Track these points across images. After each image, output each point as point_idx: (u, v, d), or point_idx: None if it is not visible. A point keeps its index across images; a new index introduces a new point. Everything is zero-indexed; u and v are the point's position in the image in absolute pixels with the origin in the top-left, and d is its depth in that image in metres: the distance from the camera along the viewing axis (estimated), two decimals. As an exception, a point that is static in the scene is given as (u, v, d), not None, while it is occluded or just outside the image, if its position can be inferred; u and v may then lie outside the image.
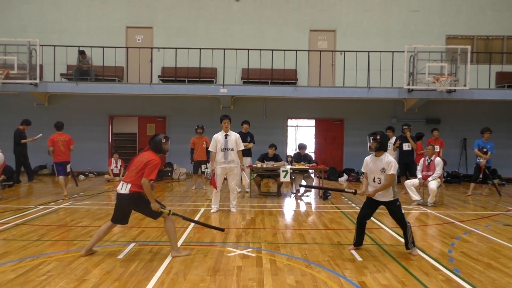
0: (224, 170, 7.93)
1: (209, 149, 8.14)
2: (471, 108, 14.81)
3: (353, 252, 5.24)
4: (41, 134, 11.41)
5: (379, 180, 5.09)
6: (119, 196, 4.97)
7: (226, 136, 7.95)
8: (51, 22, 15.14)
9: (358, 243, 5.33)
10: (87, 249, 4.99)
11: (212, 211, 7.89)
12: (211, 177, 8.04)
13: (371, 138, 5.15)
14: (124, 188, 4.91)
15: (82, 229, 6.35)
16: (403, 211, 5.15)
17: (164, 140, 5.09)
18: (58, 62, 13.34)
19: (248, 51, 13.26)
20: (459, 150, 14.96)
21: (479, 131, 10.87)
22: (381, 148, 5.11)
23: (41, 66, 13.27)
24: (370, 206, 5.27)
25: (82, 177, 13.90)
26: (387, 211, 5.25)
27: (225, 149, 7.89)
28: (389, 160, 5.07)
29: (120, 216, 5.07)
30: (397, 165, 5.14)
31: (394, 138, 10.84)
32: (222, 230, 5.78)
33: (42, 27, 14.99)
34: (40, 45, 12.74)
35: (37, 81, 12.82)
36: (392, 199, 5.11)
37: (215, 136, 8.02)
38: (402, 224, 5.12)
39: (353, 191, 5.36)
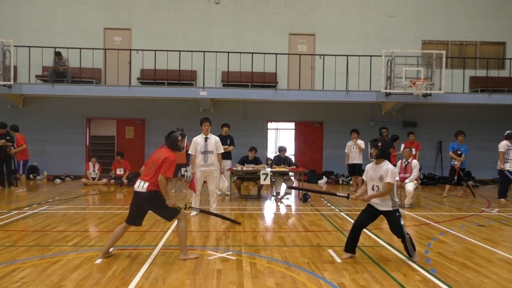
0: (203, 173, 7.90)
1: (189, 152, 8.08)
2: (446, 111, 15.19)
3: (333, 253, 5.29)
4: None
5: (377, 188, 4.96)
6: (137, 194, 4.92)
7: (206, 139, 7.93)
8: (26, 22, 14.79)
9: (349, 249, 5.12)
10: (104, 251, 4.96)
11: (192, 214, 7.84)
12: (190, 180, 7.99)
13: (372, 145, 5.01)
14: (141, 186, 4.87)
15: (58, 234, 6.20)
16: (402, 222, 4.96)
17: (180, 138, 5.10)
18: (33, 63, 13.03)
19: (228, 54, 13.25)
20: (435, 152, 15.31)
21: (453, 134, 11.15)
22: (382, 155, 4.97)
23: (15, 67, 12.93)
24: (368, 215, 5.10)
25: (58, 180, 13.62)
26: (368, 214, 5.20)
27: (205, 152, 7.86)
28: (388, 167, 4.92)
29: (135, 216, 5.03)
30: (395, 174, 4.99)
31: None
32: (238, 223, 5.71)
33: (16, 27, 14.62)
34: (14, 46, 12.44)
35: (11, 82, 12.50)
36: (391, 209, 4.94)
37: (195, 139, 7.98)
38: (401, 236, 4.94)
39: (346, 195, 5.27)
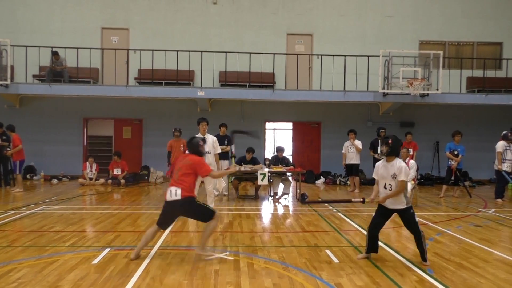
0: None
1: (187, 152, 8.06)
2: (443, 111, 15.23)
3: (330, 254, 5.29)
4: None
5: (390, 187, 4.86)
6: (171, 203, 4.94)
7: (203, 139, 7.90)
8: (22, 21, 14.74)
9: (370, 250, 5.07)
10: (136, 253, 4.99)
11: None
12: None
13: (383, 142, 4.93)
14: (174, 194, 4.90)
15: (55, 234, 6.19)
16: (416, 219, 4.91)
17: (201, 143, 5.26)
18: (30, 63, 12.99)
19: (226, 54, 13.24)
20: (432, 153, 15.35)
21: (451, 134, 11.18)
22: (392, 152, 4.87)
23: (12, 67, 12.90)
24: (382, 215, 5.02)
25: (55, 181, 13.59)
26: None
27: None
28: (401, 165, 4.82)
29: (166, 221, 5.11)
30: (409, 171, 4.92)
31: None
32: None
33: (13, 27, 14.57)
34: (11, 45, 12.41)
35: (8, 82, 12.46)
36: (405, 206, 4.86)
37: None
38: (416, 232, 4.85)
39: (361, 199, 5.17)
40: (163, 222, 5.09)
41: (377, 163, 5.12)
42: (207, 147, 7.81)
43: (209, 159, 7.90)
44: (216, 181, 8.17)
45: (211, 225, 5.04)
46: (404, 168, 4.81)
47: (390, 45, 14.37)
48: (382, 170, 4.95)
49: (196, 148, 5.21)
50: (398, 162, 4.87)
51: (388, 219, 5.11)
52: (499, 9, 15.70)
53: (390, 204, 4.91)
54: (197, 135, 7.93)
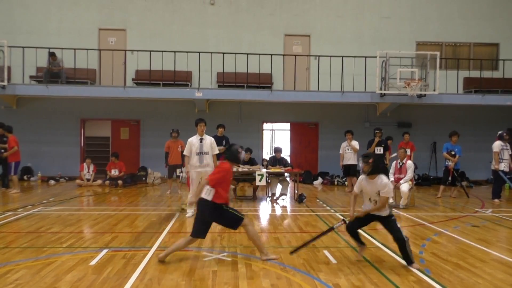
0: (199, 174, 7.87)
1: (184, 153, 8.05)
2: (440, 112, 15.29)
3: (328, 254, 5.30)
4: None
5: (375, 202, 4.90)
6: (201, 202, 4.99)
7: (201, 140, 7.91)
8: (19, 22, 14.71)
9: (360, 243, 5.20)
10: (163, 256, 4.98)
11: (187, 215, 7.82)
12: (186, 181, 7.98)
13: (363, 161, 4.89)
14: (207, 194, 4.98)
15: (52, 236, 6.17)
16: (399, 225, 4.90)
17: (240, 150, 5.23)
18: (27, 64, 12.95)
19: (224, 54, 13.25)
20: (429, 153, 15.39)
21: (448, 134, 11.22)
22: (374, 172, 4.85)
23: (9, 68, 12.86)
24: (361, 219, 5.06)
25: (52, 182, 13.55)
26: (360, 221, 5.13)
27: (200, 153, 7.84)
28: (385, 183, 4.82)
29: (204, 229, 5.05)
30: (392, 187, 4.91)
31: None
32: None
33: (10, 28, 14.54)
34: (8, 46, 12.37)
35: (5, 83, 12.43)
36: (387, 214, 4.90)
37: (190, 139, 7.97)
38: (399, 239, 4.76)
39: (341, 222, 5.13)
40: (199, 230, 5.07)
41: (360, 178, 5.09)
42: (201, 147, 7.81)
43: (207, 160, 7.90)
44: None
45: (249, 232, 5.03)
46: (388, 186, 4.81)
47: (387, 46, 14.41)
48: (367, 186, 4.96)
49: (235, 155, 5.18)
50: (381, 180, 4.84)
51: (367, 224, 5.14)
52: (495, 10, 15.77)
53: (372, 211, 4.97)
54: (193, 136, 8.00)
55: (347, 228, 5.12)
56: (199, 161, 7.83)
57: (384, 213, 4.90)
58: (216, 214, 4.95)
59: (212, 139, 8.10)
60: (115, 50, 13.99)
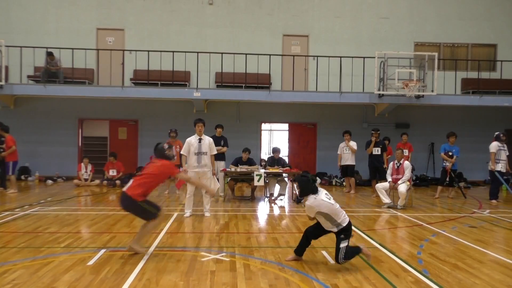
0: (197, 174, 7.87)
1: (181, 152, 8.04)
2: (438, 113, 15.32)
3: (326, 255, 5.30)
4: None
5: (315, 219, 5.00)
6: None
7: (200, 140, 7.91)
8: (17, 22, 14.67)
9: (299, 254, 5.11)
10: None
11: (185, 215, 7.82)
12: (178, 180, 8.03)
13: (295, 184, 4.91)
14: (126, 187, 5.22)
15: (50, 236, 6.15)
16: (343, 245, 4.69)
17: (166, 147, 5.41)
18: (25, 63, 12.92)
19: (222, 54, 13.25)
20: (427, 154, 15.42)
21: (445, 135, 11.24)
22: (302, 194, 4.90)
23: (6, 68, 12.84)
24: (318, 230, 5.01)
25: (50, 182, 13.52)
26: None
27: (199, 153, 7.84)
28: (307, 204, 4.81)
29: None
30: (314, 207, 4.72)
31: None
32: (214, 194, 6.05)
33: (7, 27, 14.50)
34: (6, 46, 12.34)
35: (2, 83, 12.40)
36: (335, 231, 4.80)
37: (188, 139, 7.96)
38: (336, 257, 4.71)
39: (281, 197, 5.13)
40: None
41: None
42: (199, 147, 7.83)
43: (205, 160, 7.89)
44: (211, 182, 8.13)
45: (150, 224, 5.21)
46: (308, 207, 4.78)
47: (385, 47, 14.44)
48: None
49: (162, 153, 5.37)
50: (307, 200, 4.80)
51: (320, 235, 5.05)
52: (493, 11, 15.82)
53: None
54: (191, 136, 8.00)
55: (305, 230, 5.11)
56: (197, 161, 7.83)
57: (333, 229, 4.78)
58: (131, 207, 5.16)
59: (211, 139, 8.10)
60: (113, 50, 13.97)
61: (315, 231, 5.05)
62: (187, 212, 7.88)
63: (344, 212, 4.88)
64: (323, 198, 4.75)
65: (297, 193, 4.94)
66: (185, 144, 7.94)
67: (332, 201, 4.80)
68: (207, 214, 7.96)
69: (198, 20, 15.18)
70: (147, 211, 5.13)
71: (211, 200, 8.67)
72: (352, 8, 15.57)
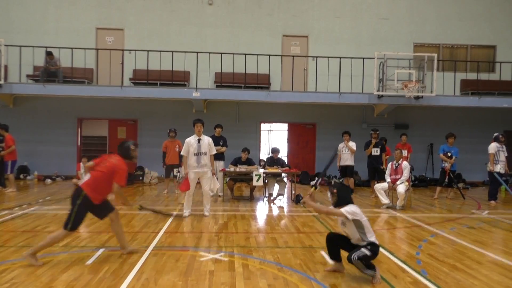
0: (197, 174, 7.88)
1: (182, 153, 8.03)
2: (437, 114, 15.33)
3: (325, 255, 5.30)
4: None
5: (344, 224, 4.60)
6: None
7: (199, 140, 7.91)
8: (16, 21, 14.66)
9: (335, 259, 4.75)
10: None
11: (184, 215, 7.81)
12: (182, 181, 7.99)
13: (329, 190, 4.67)
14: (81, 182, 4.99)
15: (48, 235, 6.13)
16: (358, 256, 4.33)
17: (133, 147, 5.12)
18: (24, 63, 12.91)
19: (221, 55, 13.25)
20: (426, 154, 15.43)
21: (444, 136, 11.25)
22: (339, 203, 4.55)
23: (6, 67, 12.83)
24: (343, 240, 4.69)
25: (49, 181, 13.51)
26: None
27: (198, 154, 7.84)
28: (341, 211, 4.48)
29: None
30: (354, 213, 4.42)
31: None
32: (170, 214, 5.95)
33: (7, 27, 14.49)
34: (5, 45, 12.33)
35: (2, 82, 12.38)
36: (360, 244, 4.47)
37: (187, 140, 7.95)
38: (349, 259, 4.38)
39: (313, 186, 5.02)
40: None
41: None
42: (199, 147, 7.82)
43: (205, 160, 7.89)
44: (211, 182, 8.13)
45: (56, 233, 4.82)
46: (350, 211, 4.44)
47: (385, 47, 14.45)
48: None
49: (127, 152, 5.10)
50: (348, 207, 4.48)
51: (343, 247, 4.64)
52: (493, 13, 15.84)
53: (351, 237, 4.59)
54: (191, 137, 7.99)
55: (329, 236, 4.76)
56: (196, 162, 7.82)
57: (360, 243, 4.44)
58: (73, 201, 4.86)
59: (210, 139, 8.10)
60: (113, 49, 13.95)
61: (339, 240, 4.67)
62: (186, 212, 7.87)
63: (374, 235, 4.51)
64: (359, 210, 4.47)
65: (333, 201, 4.59)
66: (185, 144, 7.93)
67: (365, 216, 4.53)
68: (206, 213, 7.96)
69: (198, 20, 15.18)
70: (72, 211, 4.74)
71: (211, 200, 8.66)
72: (352, 8, 15.58)
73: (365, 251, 4.31)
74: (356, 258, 4.26)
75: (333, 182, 4.88)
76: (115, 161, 4.96)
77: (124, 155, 5.09)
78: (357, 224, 4.41)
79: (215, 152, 8.17)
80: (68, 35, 14.68)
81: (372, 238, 4.42)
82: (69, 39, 14.39)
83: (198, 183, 8.09)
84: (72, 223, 4.75)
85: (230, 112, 14.98)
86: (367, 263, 4.32)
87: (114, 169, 4.87)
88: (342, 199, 4.54)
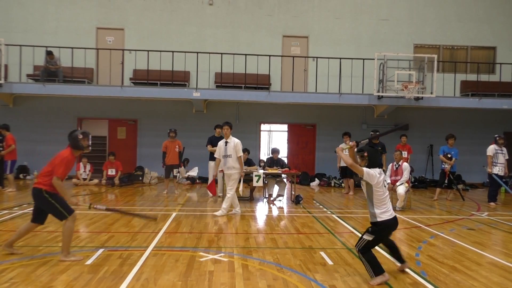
0: (226, 175, 8.18)
1: (215, 155, 8.44)
2: (437, 115, 15.34)
3: (324, 256, 5.30)
4: None
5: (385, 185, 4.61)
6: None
7: (226, 143, 8.15)
8: (16, 21, 14.67)
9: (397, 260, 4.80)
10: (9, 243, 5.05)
11: (236, 211, 8.13)
12: (210, 182, 8.33)
13: (358, 155, 4.61)
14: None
15: (48, 235, 6.14)
16: (364, 237, 4.44)
17: (81, 136, 5.02)
18: (24, 62, 12.91)
19: (222, 55, 13.25)
20: (426, 156, 15.43)
21: (444, 137, 11.25)
22: (370, 165, 4.50)
23: (6, 66, 12.83)
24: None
25: (48, 181, 13.47)
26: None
27: (225, 156, 8.10)
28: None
29: (36, 213, 5.08)
30: (370, 172, 4.42)
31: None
32: (155, 219, 6.18)
33: (7, 26, 14.49)
34: (5, 44, 12.33)
35: (2, 81, 12.40)
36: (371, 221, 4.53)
37: (219, 142, 8.30)
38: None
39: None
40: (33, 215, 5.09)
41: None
42: (225, 150, 8.07)
43: (230, 163, 8.07)
44: (236, 183, 8.20)
45: (65, 226, 4.89)
46: (369, 174, 4.42)
47: (385, 48, 14.46)
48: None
49: (75, 141, 4.99)
50: (372, 170, 4.47)
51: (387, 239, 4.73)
52: (493, 14, 15.85)
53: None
54: (222, 140, 8.17)
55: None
56: (224, 164, 8.12)
57: (370, 217, 4.50)
58: (40, 202, 4.94)
59: (237, 141, 8.20)
60: (113, 49, 13.96)
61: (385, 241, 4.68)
62: (237, 209, 8.21)
63: (390, 212, 4.46)
64: (382, 179, 4.46)
65: (363, 164, 4.52)
66: (217, 147, 8.31)
67: (386, 190, 4.54)
68: (219, 213, 8.03)
69: (198, 20, 15.19)
70: (54, 206, 4.83)
71: (210, 200, 8.67)
72: (352, 9, 15.59)
73: (366, 237, 4.38)
74: (358, 250, 4.38)
75: (360, 144, 4.87)
76: (60, 152, 4.97)
77: (73, 145, 5.01)
78: (369, 189, 4.44)
79: (241, 154, 8.28)
80: (68, 34, 14.68)
81: (381, 214, 4.38)
82: (69, 39, 14.39)
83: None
84: (65, 210, 4.88)
85: (230, 112, 14.97)
86: (370, 258, 4.34)
87: (55, 160, 4.89)
88: (373, 161, 4.53)
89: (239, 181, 8.34)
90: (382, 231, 4.43)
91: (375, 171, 4.44)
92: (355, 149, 4.69)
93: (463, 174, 14.15)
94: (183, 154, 11.55)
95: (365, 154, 4.57)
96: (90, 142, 5.14)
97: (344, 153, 4.68)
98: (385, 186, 4.51)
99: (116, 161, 13.01)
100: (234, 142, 8.14)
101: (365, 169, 4.42)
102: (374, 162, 4.53)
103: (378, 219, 4.40)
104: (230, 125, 8.24)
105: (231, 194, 8.10)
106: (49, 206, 4.89)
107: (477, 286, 4.34)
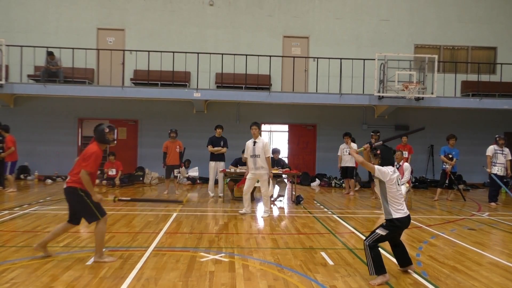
0: (254, 176, 8.16)
1: (244, 155, 8.55)
2: (438, 115, 15.33)
3: (325, 256, 5.30)
4: None
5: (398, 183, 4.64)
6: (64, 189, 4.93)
7: (254, 143, 8.15)
8: (17, 21, 14.68)
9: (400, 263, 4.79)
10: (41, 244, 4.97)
11: (240, 212, 8.24)
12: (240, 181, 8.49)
13: (372, 154, 4.66)
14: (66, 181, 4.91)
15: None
16: (376, 231, 4.49)
17: (107, 130, 4.96)
18: (25, 63, 12.92)
19: (222, 55, 13.26)
20: (427, 156, 15.43)
21: (445, 137, 11.25)
22: (384, 163, 4.55)
23: (6, 67, 12.84)
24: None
25: (49, 181, 13.50)
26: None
27: (254, 156, 8.12)
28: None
29: (71, 213, 5.01)
30: (384, 174, 4.46)
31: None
32: (180, 202, 6.28)
33: (8, 26, 14.51)
34: (6, 45, 12.34)
35: (3, 82, 12.40)
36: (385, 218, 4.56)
37: (247, 142, 8.35)
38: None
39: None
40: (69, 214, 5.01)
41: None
42: (254, 150, 8.10)
43: (259, 163, 8.10)
44: (268, 184, 8.23)
45: (97, 228, 4.86)
46: (382, 171, 4.49)
47: (386, 49, 14.46)
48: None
49: (101, 135, 4.90)
50: (385, 168, 4.53)
51: (396, 238, 4.72)
52: (493, 14, 15.85)
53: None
54: (250, 140, 8.22)
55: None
56: (253, 164, 8.12)
57: (384, 214, 4.58)
58: (72, 200, 4.87)
59: (265, 141, 8.22)
60: (114, 50, 13.98)
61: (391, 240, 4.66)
62: (243, 210, 8.25)
63: (404, 210, 4.46)
64: (396, 176, 4.49)
65: (376, 162, 4.57)
66: (245, 147, 8.37)
67: (400, 188, 4.54)
68: (264, 215, 8.11)
69: (199, 21, 15.20)
70: (88, 206, 4.76)
71: (211, 201, 8.66)
72: (353, 9, 15.59)
73: (379, 232, 4.43)
74: (368, 244, 4.37)
75: (374, 144, 4.90)
76: (88, 147, 4.89)
77: (99, 139, 4.93)
78: (382, 187, 4.49)
79: (270, 154, 8.32)
80: (68, 35, 14.70)
81: (395, 211, 4.42)
82: (70, 39, 14.40)
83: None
84: (98, 210, 4.85)
85: (230, 113, 14.98)
86: (376, 256, 4.36)
87: (84, 155, 4.79)
88: (386, 160, 4.59)
89: (269, 181, 8.29)
90: (396, 228, 4.50)
91: (388, 169, 4.52)
92: (369, 150, 4.76)
93: (464, 174, 14.14)
94: (183, 155, 11.56)
95: (378, 152, 4.66)
96: (116, 136, 5.11)
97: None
98: (399, 184, 4.56)
99: (116, 161, 13.02)
100: (263, 142, 8.16)
101: (376, 166, 4.50)
102: (387, 160, 4.62)
103: (393, 216, 4.46)
104: (259, 125, 8.27)
105: (266, 195, 8.23)
106: (83, 205, 4.81)
107: (478, 286, 4.34)
